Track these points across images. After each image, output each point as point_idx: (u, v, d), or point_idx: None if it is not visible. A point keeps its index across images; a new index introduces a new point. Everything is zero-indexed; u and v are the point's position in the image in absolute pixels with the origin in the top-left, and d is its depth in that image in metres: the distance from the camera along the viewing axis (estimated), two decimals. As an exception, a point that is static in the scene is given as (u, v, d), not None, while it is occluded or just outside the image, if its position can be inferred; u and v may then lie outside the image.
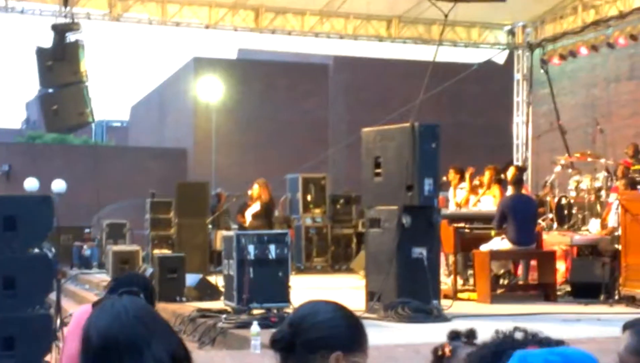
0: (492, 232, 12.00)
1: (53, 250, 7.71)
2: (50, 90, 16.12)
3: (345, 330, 2.25)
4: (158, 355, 2.13)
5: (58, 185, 26.62)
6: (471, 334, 2.42)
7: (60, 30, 15.89)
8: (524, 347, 1.68)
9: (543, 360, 1.54)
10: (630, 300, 10.68)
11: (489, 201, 13.24)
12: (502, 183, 13.35)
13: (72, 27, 16.07)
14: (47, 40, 15.88)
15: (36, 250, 7.20)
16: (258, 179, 16.39)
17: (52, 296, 7.74)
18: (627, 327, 2.35)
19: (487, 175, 13.47)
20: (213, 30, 18.49)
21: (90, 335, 2.20)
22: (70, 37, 15.97)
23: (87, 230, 24.70)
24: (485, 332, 2.00)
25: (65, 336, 3.18)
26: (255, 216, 15.72)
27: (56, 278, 7.63)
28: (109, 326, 2.17)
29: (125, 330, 2.16)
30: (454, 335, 2.45)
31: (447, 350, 2.45)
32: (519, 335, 1.78)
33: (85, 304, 2.61)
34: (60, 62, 15.70)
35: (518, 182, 12.28)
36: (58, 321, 7.66)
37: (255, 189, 16.05)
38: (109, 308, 2.24)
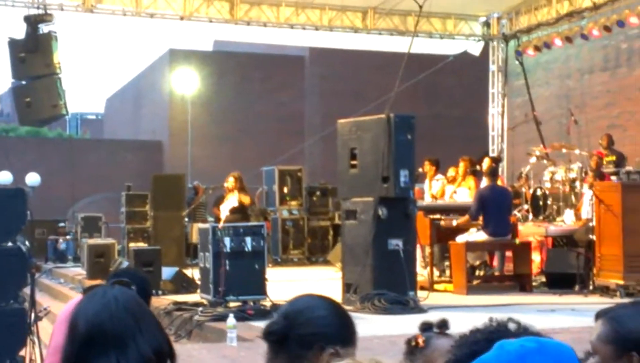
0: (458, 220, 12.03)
1: (27, 243, 7.63)
2: (23, 82, 15.98)
3: (339, 327, 2.25)
4: (143, 349, 2.12)
5: (32, 178, 26.34)
6: (443, 324, 2.42)
7: (32, 22, 15.75)
8: (516, 338, 1.70)
9: (519, 346, 1.56)
10: (604, 290, 10.76)
11: (463, 193, 13.28)
12: (477, 174, 13.40)
13: (44, 18, 15.92)
14: (20, 31, 15.75)
15: (10, 244, 7.13)
16: (233, 172, 16.33)
17: (27, 290, 7.66)
18: (599, 315, 2.35)
19: (461, 166, 13.50)
20: (188, 21, 18.40)
21: (77, 322, 2.18)
22: (43, 28, 15.82)
23: (61, 224, 24.48)
24: (460, 323, 2.00)
25: (53, 328, 3.16)
26: (234, 210, 15.67)
27: (30, 272, 7.56)
28: (97, 314, 2.16)
29: (114, 320, 2.15)
30: (426, 326, 2.44)
31: (420, 340, 2.45)
32: (512, 326, 1.79)
33: (75, 298, 2.57)
34: (33, 53, 15.56)
35: (493, 173, 12.32)
36: (32, 315, 7.59)
37: (230, 182, 15.99)
38: (99, 296, 2.22)
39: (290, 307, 2.31)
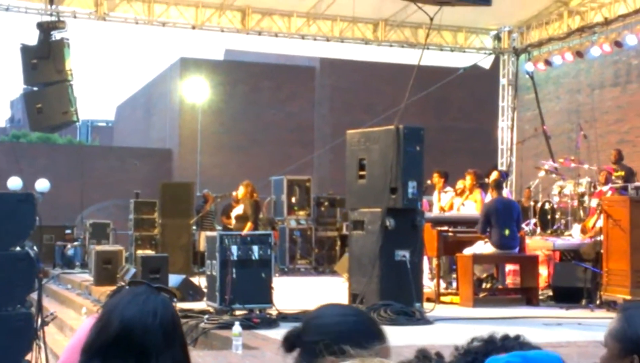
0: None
1: (35, 248, 7.64)
2: (35, 88, 16.06)
3: (350, 333, 2.18)
4: None
5: (42, 184, 26.47)
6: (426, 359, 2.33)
7: (45, 28, 15.84)
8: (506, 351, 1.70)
9: (505, 362, 1.57)
10: (611, 305, 10.72)
11: (471, 206, 13.28)
12: (484, 187, 13.40)
13: (57, 25, 16.02)
14: (32, 38, 15.84)
15: (18, 249, 7.15)
16: (243, 181, 16.38)
17: (34, 295, 7.68)
18: (620, 309, 2.32)
19: (468, 179, 13.49)
20: (200, 30, 18.47)
21: (111, 319, 2.19)
22: (56, 35, 15.92)
23: (68, 231, 24.53)
24: (466, 335, 1.99)
25: (69, 346, 3.15)
26: (239, 217, 15.70)
27: (38, 277, 7.57)
28: (133, 321, 2.17)
29: (146, 333, 2.16)
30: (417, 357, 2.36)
31: None
32: (499, 342, 1.79)
33: (91, 317, 2.55)
34: (45, 60, 15.64)
35: (498, 186, 12.31)
36: (39, 320, 7.61)
37: (240, 191, 16.03)
38: (140, 302, 2.22)
39: (306, 315, 2.32)
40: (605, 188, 13.36)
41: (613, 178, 13.98)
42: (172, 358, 2.18)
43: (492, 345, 1.79)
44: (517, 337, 1.81)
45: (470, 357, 1.78)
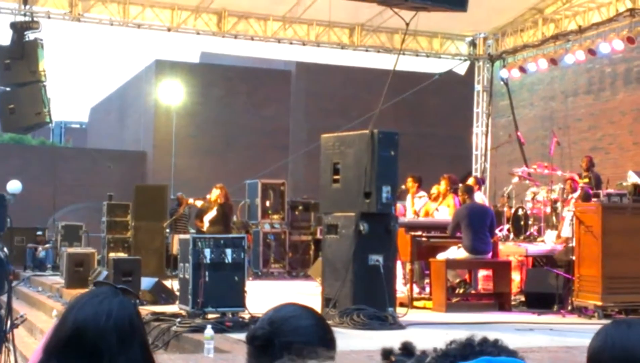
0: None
1: (6, 250, 7.57)
2: (8, 89, 15.94)
3: (321, 338, 2.24)
4: None
5: (13, 185, 26.21)
6: (390, 352, 2.33)
7: (19, 29, 15.73)
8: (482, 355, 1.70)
9: None
10: (583, 311, 10.80)
11: (445, 211, 13.32)
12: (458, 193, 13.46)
13: (31, 25, 15.91)
14: (6, 38, 15.72)
15: (-12, 250, 7.08)
16: (217, 184, 16.34)
17: (4, 297, 7.60)
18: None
19: (442, 185, 13.54)
20: (175, 33, 18.40)
21: (66, 319, 2.17)
22: (30, 35, 15.81)
23: (39, 233, 24.30)
24: (437, 340, 1.99)
25: (38, 349, 3.13)
26: (212, 221, 15.66)
27: (8, 279, 7.50)
28: (86, 322, 2.14)
29: (97, 334, 2.12)
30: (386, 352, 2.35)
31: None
32: (477, 346, 1.78)
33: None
34: (18, 60, 15.53)
35: (468, 191, 12.34)
36: (9, 323, 7.52)
37: (214, 194, 16.01)
38: (97, 303, 2.19)
39: (276, 314, 2.30)
40: (575, 195, 13.45)
41: (581, 184, 14.05)
42: (129, 360, 2.15)
43: (469, 348, 1.78)
44: (496, 341, 1.81)
45: (448, 360, 1.77)
